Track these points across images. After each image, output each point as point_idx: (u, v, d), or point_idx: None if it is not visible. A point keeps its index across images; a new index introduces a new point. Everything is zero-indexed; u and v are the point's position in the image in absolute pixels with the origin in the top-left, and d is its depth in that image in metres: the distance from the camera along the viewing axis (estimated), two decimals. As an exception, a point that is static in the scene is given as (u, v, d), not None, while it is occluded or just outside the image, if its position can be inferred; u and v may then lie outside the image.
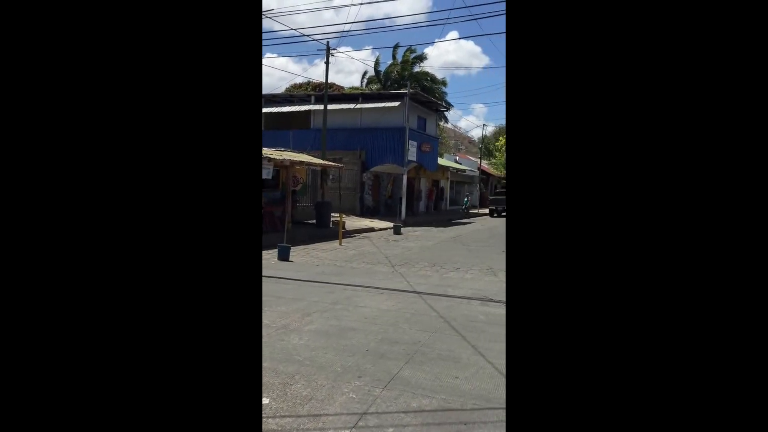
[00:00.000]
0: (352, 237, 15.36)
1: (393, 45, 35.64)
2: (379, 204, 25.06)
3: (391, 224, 18.18)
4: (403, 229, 17.45)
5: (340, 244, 13.03)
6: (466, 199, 31.85)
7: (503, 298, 7.05)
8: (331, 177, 20.00)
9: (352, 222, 18.75)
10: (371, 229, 17.77)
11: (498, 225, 22.04)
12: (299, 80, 37.73)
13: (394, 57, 34.05)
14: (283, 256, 10.16)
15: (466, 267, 9.96)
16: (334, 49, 19.75)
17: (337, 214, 15.14)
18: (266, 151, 14.53)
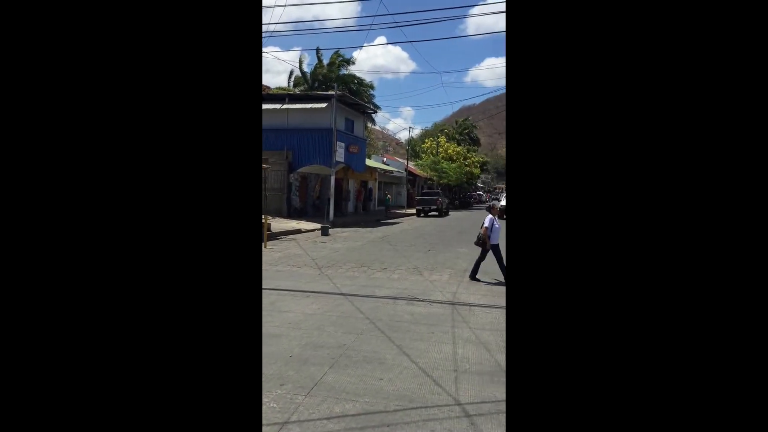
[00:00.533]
0: (278, 239, 15.05)
1: (325, 47, 35.25)
2: (307, 205, 24.77)
3: (318, 225, 18.00)
4: (331, 230, 17.33)
5: (265, 247, 12.72)
6: (387, 199, 32.30)
7: (428, 297, 7.16)
8: (256, 178, 19.50)
9: (279, 224, 18.39)
10: (298, 231, 17.51)
11: (425, 225, 22.43)
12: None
13: (319, 59, 33.81)
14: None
15: (393, 267, 10.03)
16: (258, 48, 19.25)
17: (262, 216, 14.78)
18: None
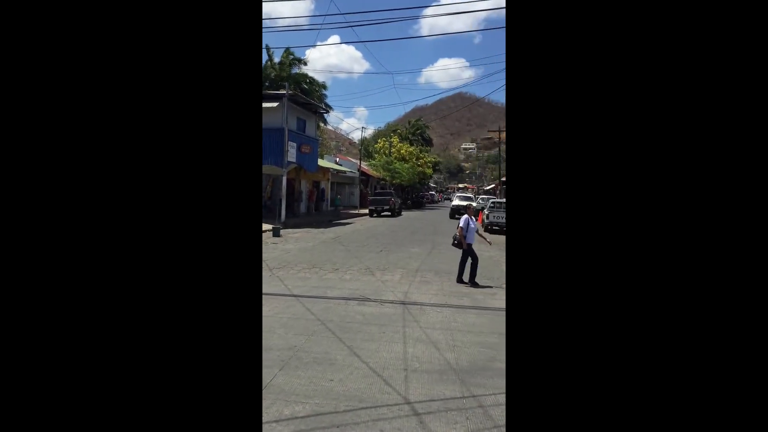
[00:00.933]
0: (228, 241, 14.71)
1: (276, 45, 34.67)
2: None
3: (270, 226, 17.74)
4: (282, 231, 17.13)
5: (215, 249, 12.41)
6: (337, 199, 32.29)
7: (380, 297, 7.19)
8: (205, 178, 19.01)
9: (229, 225, 17.96)
10: (249, 232, 17.18)
11: (378, 225, 22.50)
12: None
13: (269, 57, 33.29)
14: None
15: (345, 268, 10.01)
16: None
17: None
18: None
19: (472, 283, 8.30)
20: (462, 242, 8.51)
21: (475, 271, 8.42)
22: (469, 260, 8.49)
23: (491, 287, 8.20)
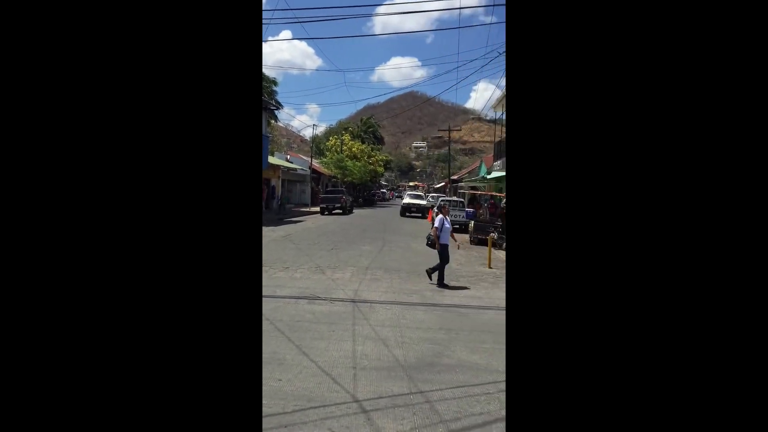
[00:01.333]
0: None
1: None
2: (206, 204, 23.72)
3: (218, 225, 17.34)
4: (231, 230, 16.77)
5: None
6: (284, 197, 32.06)
7: (330, 295, 7.18)
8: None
9: (175, 223, 17.43)
10: (196, 231, 16.74)
11: (329, 223, 22.40)
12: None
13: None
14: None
15: (296, 266, 9.93)
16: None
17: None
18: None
19: (441, 285, 8.19)
20: (436, 242, 8.49)
21: (442, 274, 8.33)
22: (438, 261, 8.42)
23: (466, 288, 8.32)
